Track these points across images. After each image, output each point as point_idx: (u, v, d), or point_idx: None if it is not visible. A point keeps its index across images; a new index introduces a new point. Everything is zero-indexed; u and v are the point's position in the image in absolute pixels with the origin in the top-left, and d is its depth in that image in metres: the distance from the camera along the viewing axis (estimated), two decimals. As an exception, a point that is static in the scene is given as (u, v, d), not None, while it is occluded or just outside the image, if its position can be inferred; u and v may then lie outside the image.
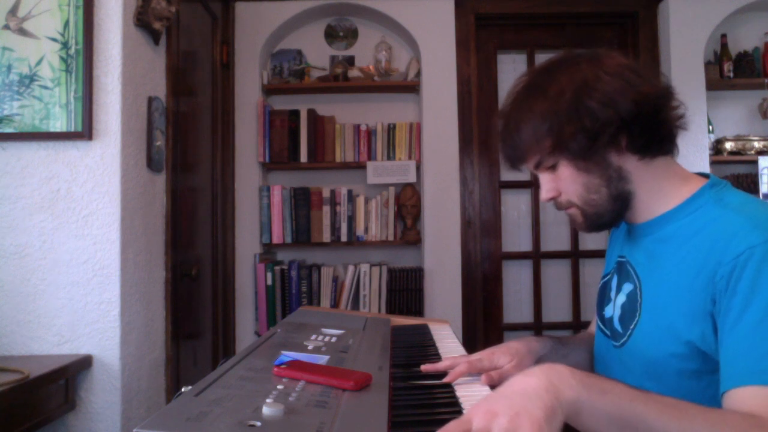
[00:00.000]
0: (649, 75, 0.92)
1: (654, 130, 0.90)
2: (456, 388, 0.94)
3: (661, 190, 0.95)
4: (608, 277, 1.08)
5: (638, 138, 0.90)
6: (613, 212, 0.96)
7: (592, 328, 1.24)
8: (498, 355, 1.04)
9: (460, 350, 1.25)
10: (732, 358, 0.78)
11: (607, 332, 1.05)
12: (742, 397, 0.75)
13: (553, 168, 0.96)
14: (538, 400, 0.63)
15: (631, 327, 0.96)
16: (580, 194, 0.95)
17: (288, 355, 0.97)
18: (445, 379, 0.98)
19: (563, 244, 3.06)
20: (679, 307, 0.87)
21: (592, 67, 0.91)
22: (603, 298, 1.09)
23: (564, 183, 0.95)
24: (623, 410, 0.67)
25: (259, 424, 0.66)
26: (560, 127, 0.89)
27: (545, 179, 0.98)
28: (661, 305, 0.91)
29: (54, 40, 1.56)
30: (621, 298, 1.01)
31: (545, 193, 0.98)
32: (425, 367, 1.01)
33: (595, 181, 0.93)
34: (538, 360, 1.08)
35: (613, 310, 1.03)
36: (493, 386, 0.97)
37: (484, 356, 1.03)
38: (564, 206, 0.98)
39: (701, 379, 0.86)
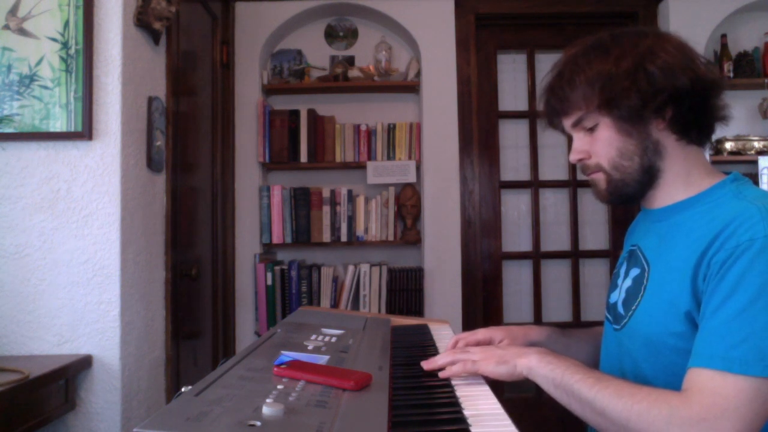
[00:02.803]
0: (709, 64, 0.95)
1: (700, 113, 0.93)
2: (456, 388, 0.94)
3: (687, 176, 0.96)
4: (618, 267, 1.10)
5: (684, 116, 0.92)
6: (639, 184, 0.97)
7: None
8: (494, 331, 1.17)
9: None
10: (705, 339, 0.81)
11: (610, 317, 1.07)
12: (699, 377, 0.79)
13: (591, 129, 0.97)
14: (499, 353, 0.97)
15: (633, 308, 0.97)
16: (612, 158, 0.96)
17: (288, 355, 0.97)
18: (446, 355, 1.08)
19: (563, 244, 3.06)
20: (680, 282, 0.88)
21: (658, 40, 0.94)
22: (611, 287, 1.10)
23: (599, 145, 0.97)
24: (558, 378, 0.89)
25: (259, 424, 0.66)
26: (615, 84, 0.91)
27: (579, 140, 0.99)
28: (665, 283, 0.92)
29: (54, 40, 1.56)
30: (627, 283, 1.02)
31: (575, 153, 1.00)
32: (427, 365, 1.03)
33: (631, 148, 0.95)
34: (533, 345, 1.15)
35: (618, 295, 1.04)
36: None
37: (479, 330, 1.17)
38: (591, 169, 1.00)
39: None
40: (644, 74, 0.90)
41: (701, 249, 0.86)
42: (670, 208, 0.98)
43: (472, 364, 0.96)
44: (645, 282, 0.97)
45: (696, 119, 0.93)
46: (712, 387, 0.77)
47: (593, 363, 1.16)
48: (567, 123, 1.00)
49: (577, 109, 0.97)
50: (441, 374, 0.97)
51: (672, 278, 0.90)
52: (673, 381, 0.87)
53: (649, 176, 0.96)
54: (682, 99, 0.91)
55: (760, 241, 0.80)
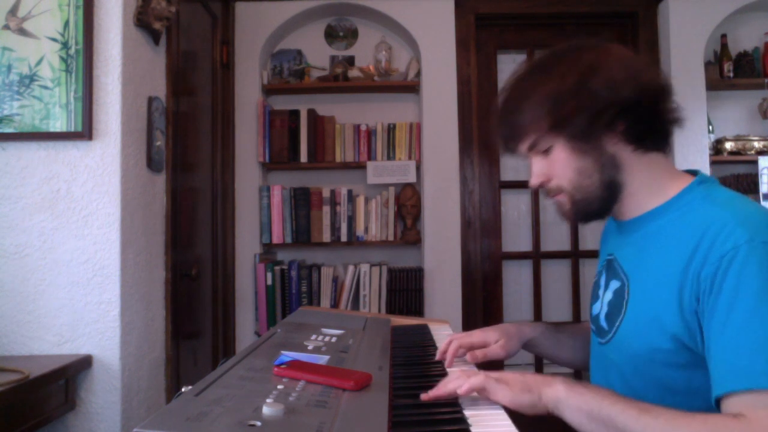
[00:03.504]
0: (653, 69, 0.94)
1: (651, 121, 0.91)
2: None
3: (651, 185, 0.95)
4: (598, 276, 1.09)
5: (635, 126, 0.91)
6: (603, 200, 0.95)
7: None
8: (488, 332, 1.14)
9: (460, 350, 1.27)
10: (720, 362, 0.78)
11: (594, 329, 1.06)
12: (733, 403, 0.75)
13: (546, 152, 0.96)
14: (522, 380, 0.85)
15: (617, 323, 0.96)
16: (572, 179, 0.95)
17: (288, 355, 0.97)
18: (442, 362, 1.09)
19: (563, 244, 3.06)
20: (665, 301, 0.86)
21: (598, 54, 0.93)
22: (593, 296, 1.09)
23: (557, 166, 0.95)
24: (593, 408, 0.80)
25: (259, 424, 0.66)
26: (562, 105, 0.90)
27: (536, 163, 0.98)
28: (648, 299, 0.90)
29: (54, 40, 1.56)
30: (608, 296, 1.01)
31: (535, 177, 0.98)
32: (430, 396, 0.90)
33: (588, 166, 0.93)
34: (528, 342, 1.15)
35: (600, 307, 1.03)
36: (478, 365, 1.10)
37: (474, 332, 1.15)
38: (553, 192, 0.98)
39: (686, 371, 0.86)
40: (589, 91, 0.89)
41: (682, 263, 0.85)
42: (641, 218, 0.96)
43: (495, 382, 0.85)
44: (626, 296, 0.95)
45: (648, 128, 0.92)
46: (749, 405, 0.73)
47: (583, 357, 1.17)
48: (522, 148, 0.99)
49: (530, 134, 0.95)
50: (460, 392, 0.85)
51: (655, 294, 0.89)
52: (664, 395, 0.85)
53: (611, 191, 0.95)
54: (630, 110, 0.90)
55: (744, 247, 0.79)
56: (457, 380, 0.87)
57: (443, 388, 0.87)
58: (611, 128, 0.91)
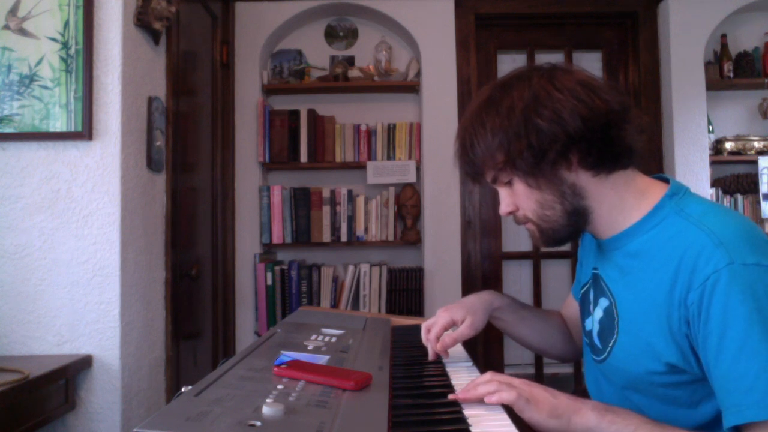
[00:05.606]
0: (605, 91, 0.90)
1: (605, 146, 0.89)
2: (457, 388, 0.94)
3: (620, 205, 0.93)
4: (587, 287, 1.07)
5: (589, 155, 0.89)
6: (569, 228, 0.95)
7: (565, 310, 1.28)
8: (454, 311, 1.16)
9: (460, 349, 1.27)
10: (724, 392, 0.77)
11: (587, 342, 1.05)
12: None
13: (508, 183, 0.95)
14: (552, 402, 0.83)
15: (610, 344, 0.95)
16: (535, 210, 0.94)
17: (288, 355, 0.97)
18: (433, 355, 1.13)
19: (563, 244, 3.06)
20: (655, 327, 0.86)
21: (544, 83, 0.90)
22: (584, 309, 1.08)
23: (519, 199, 0.95)
24: None
25: (259, 424, 0.66)
26: (509, 144, 0.89)
27: (503, 194, 0.98)
28: (638, 323, 0.90)
29: (54, 40, 1.56)
30: (599, 313, 1.00)
31: (504, 207, 0.98)
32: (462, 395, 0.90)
33: (548, 197, 0.92)
34: (494, 313, 1.17)
35: (593, 324, 1.02)
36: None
37: (439, 315, 1.17)
38: (521, 221, 0.98)
39: (687, 388, 0.86)
40: (533, 128, 0.87)
41: (666, 288, 0.84)
42: (618, 237, 0.95)
43: (526, 402, 0.84)
44: (616, 317, 0.94)
45: (604, 154, 0.89)
46: None
47: (545, 341, 1.23)
48: (487, 180, 0.98)
49: (488, 169, 0.95)
50: (488, 401, 0.85)
51: (644, 320, 0.88)
52: (667, 408, 0.85)
53: (577, 218, 0.94)
54: (581, 140, 0.87)
55: (725, 271, 0.77)
56: (487, 386, 0.86)
57: (473, 392, 0.87)
58: (565, 160, 0.89)
